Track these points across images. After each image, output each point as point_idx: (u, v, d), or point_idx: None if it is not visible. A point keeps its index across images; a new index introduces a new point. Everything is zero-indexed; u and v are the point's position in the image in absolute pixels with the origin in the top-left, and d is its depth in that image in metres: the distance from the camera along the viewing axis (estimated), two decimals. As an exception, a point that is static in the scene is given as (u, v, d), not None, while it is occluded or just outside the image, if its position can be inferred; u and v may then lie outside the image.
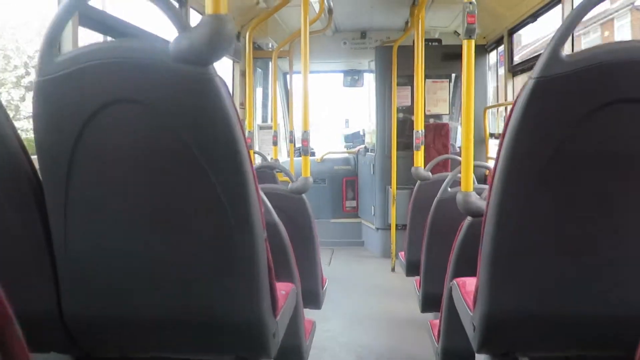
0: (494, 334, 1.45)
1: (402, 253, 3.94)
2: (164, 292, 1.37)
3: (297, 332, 2.24)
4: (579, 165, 1.28)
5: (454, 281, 1.87)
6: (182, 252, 1.33)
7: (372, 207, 6.03)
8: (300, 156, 6.37)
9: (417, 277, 3.44)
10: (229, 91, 1.23)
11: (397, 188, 5.47)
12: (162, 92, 1.20)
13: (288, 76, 6.25)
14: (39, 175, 1.33)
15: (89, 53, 1.21)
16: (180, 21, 1.16)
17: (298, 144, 6.40)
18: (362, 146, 6.60)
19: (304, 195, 2.93)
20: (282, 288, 1.61)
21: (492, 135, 5.44)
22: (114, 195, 1.30)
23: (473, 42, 2.01)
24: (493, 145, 5.51)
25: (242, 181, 1.26)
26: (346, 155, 6.77)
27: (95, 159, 1.27)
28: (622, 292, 1.35)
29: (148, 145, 1.25)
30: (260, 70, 6.44)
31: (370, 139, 6.58)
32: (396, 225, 5.46)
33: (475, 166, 2.40)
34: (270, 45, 6.12)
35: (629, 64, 1.20)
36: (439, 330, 2.40)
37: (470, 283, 1.76)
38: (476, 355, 1.72)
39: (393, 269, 5.36)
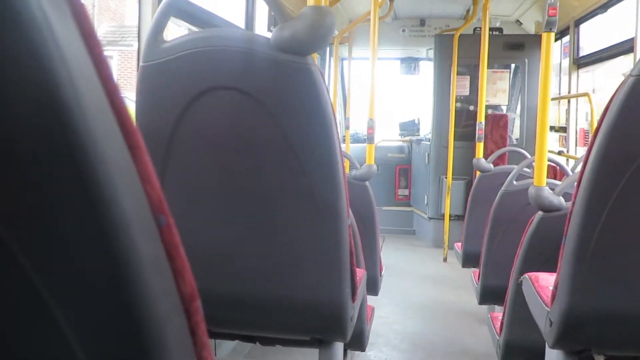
0: (572, 331, 1.45)
1: (459, 244, 3.93)
2: (252, 272, 1.42)
3: (362, 316, 2.28)
4: None
5: (526, 275, 1.86)
6: (271, 233, 1.38)
7: (425, 197, 6.01)
8: (355, 143, 6.37)
9: (475, 269, 3.44)
10: (325, 82, 1.26)
11: (452, 179, 5.43)
12: (261, 80, 1.24)
13: (346, 62, 6.26)
14: None
15: (193, 40, 1.25)
16: (283, 12, 1.19)
17: (352, 131, 6.42)
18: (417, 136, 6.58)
19: (367, 182, 2.95)
20: (357, 274, 1.64)
21: (552, 128, 5.34)
22: (209, 178, 1.36)
23: (553, 35, 1.99)
24: (552, 139, 5.41)
25: (333, 171, 1.29)
26: (400, 143, 6.74)
27: (193, 143, 1.32)
28: None
29: (244, 131, 1.30)
30: (318, 56, 6.46)
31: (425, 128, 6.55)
32: (450, 215, 5.44)
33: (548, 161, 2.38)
34: (329, 32, 6.12)
35: None
36: (501, 323, 2.40)
37: (544, 278, 1.75)
38: (547, 350, 1.72)
39: (445, 259, 5.34)
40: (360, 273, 1.78)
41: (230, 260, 1.43)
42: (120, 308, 0.38)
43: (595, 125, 1.43)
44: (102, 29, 14.62)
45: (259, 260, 1.41)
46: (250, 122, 1.28)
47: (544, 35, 1.99)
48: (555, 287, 1.47)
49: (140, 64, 1.29)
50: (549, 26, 1.97)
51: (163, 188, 1.35)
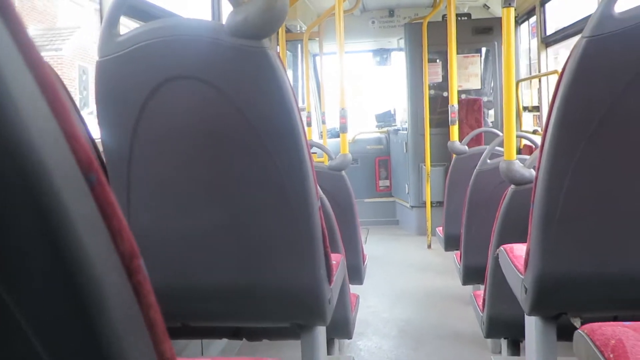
0: (546, 296, 1.47)
1: (440, 228, 3.96)
2: (224, 262, 1.42)
3: (345, 304, 2.28)
4: (631, 123, 1.28)
5: (501, 247, 1.88)
6: (241, 222, 1.38)
7: (406, 186, 6.04)
8: (333, 137, 6.38)
9: (457, 251, 3.46)
10: (283, 64, 1.26)
11: (431, 165, 5.47)
12: (219, 67, 1.24)
13: (318, 58, 6.26)
14: (102, 155, 1.39)
15: (148, 32, 1.25)
16: None
17: (329, 126, 6.43)
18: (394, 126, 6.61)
19: (343, 172, 2.96)
20: (333, 258, 1.65)
21: (525, 108, 5.40)
22: (175, 169, 1.36)
23: (513, 10, 2.01)
24: (527, 120, 5.46)
25: (297, 152, 1.30)
26: (378, 134, 6.77)
27: (156, 135, 1.32)
28: None
29: (206, 120, 1.30)
30: (289, 52, 6.46)
31: (402, 118, 6.57)
32: (431, 202, 5.47)
33: (517, 136, 2.40)
34: (298, 28, 6.13)
35: None
36: (483, 300, 2.42)
37: (518, 248, 1.77)
38: (525, 319, 1.74)
39: (429, 246, 5.38)
40: (337, 257, 1.78)
41: (202, 251, 1.42)
42: (53, 268, 0.38)
43: None
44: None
45: (230, 249, 1.41)
46: (211, 110, 1.28)
47: (504, 11, 2.01)
48: (527, 253, 1.48)
49: (97, 59, 1.28)
50: (507, 1, 2.00)
51: (130, 183, 1.35)
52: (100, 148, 1.41)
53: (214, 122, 1.30)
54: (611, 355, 1.00)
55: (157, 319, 0.48)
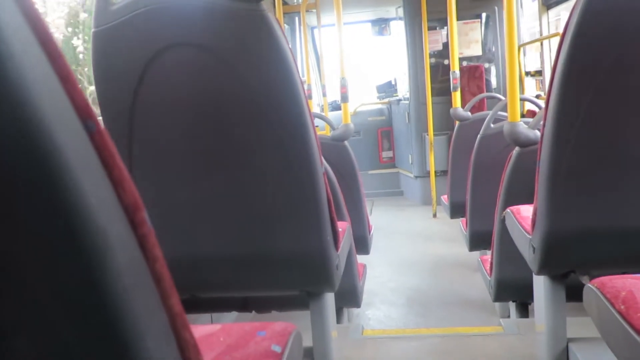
0: (554, 254, 1.46)
1: (445, 196, 3.95)
2: (230, 231, 1.42)
3: (352, 272, 2.29)
4: (637, 74, 1.26)
5: (508, 210, 1.87)
6: (245, 190, 1.37)
7: (410, 156, 6.02)
8: (334, 110, 6.35)
9: (463, 218, 3.46)
10: (281, 27, 1.24)
11: (433, 134, 5.44)
12: (217, 32, 1.22)
13: (316, 31, 6.20)
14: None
15: None
16: None
17: (331, 99, 6.39)
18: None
19: (346, 142, 2.94)
20: (339, 226, 1.65)
21: (527, 73, 5.35)
22: (176, 138, 1.34)
23: None
24: (529, 84, 5.42)
25: (300, 116, 1.28)
26: (379, 105, 6.73)
27: (156, 104, 1.31)
28: None
29: (207, 85, 1.28)
30: (287, 26, 6.39)
31: (403, 88, 6.53)
32: (435, 171, 5.46)
33: (520, 99, 2.38)
34: (295, 0, 6.07)
35: None
36: (490, 264, 2.43)
37: (525, 209, 1.77)
38: (534, 279, 1.74)
39: (434, 215, 5.38)
40: (343, 225, 1.78)
41: (207, 221, 1.42)
42: (54, 217, 0.37)
43: None
44: None
45: (235, 217, 1.40)
46: (211, 77, 1.26)
47: None
48: (535, 213, 1.48)
49: (92, 30, 1.26)
50: None
51: (131, 155, 1.33)
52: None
53: (214, 89, 1.28)
54: (622, 307, 0.99)
55: (164, 273, 0.47)
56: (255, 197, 1.38)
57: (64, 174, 0.37)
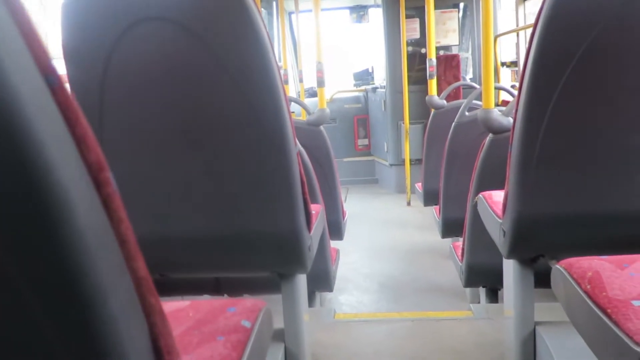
0: (523, 238, 1.48)
1: (419, 184, 3.98)
2: (202, 210, 1.40)
3: (325, 256, 2.29)
4: (608, 62, 1.28)
5: (480, 195, 1.89)
6: (218, 169, 1.36)
7: (385, 144, 6.04)
8: (310, 97, 6.32)
9: (436, 206, 3.49)
10: (258, 7, 1.23)
11: (409, 123, 5.46)
12: (191, 8, 1.20)
13: (293, 16, 6.16)
14: None
15: None
16: None
17: (307, 85, 6.37)
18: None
19: (321, 127, 2.94)
20: (312, 208, 1.65)
21: (503, 64, 5.39)
22: (148, 115, 1.32)
23: None
24: (504, 74, 5.47)
25: (274, 96, 1.27)
26: (356, 93, 6.73)
27: (127, 79, 1.28)
28: None
29: (179, 62, 1.26)
30: (264, 10, 6.34)
31: (380, 76, 6.53)
32: (410, 160, 5.48)
33: (495, 87, 2.40)
34: (273, -16, 6.03)
35: None
36: (462, 249, 2.45)
37: (496, 194, 1.78)
38: (504, 264, 1.77)
39: (409, 203, 5.41)
40: (317, 207, 1.78)
41: (179, 199, 1.40)
42: (12, 170, 0.36)
43: None
44: None
45: (208, 196, 1.39)
46: (184, 53, 1.24)
47: None
48: (505, 197, 1.49)
49: (62, 1, 1.23)
50: None
51: (102, 131, 1.31)
52: None
53: (187, 66, 1.26)
54: (588, 287, 1.01)
55: (129, 235, 0.46)
56: (228, 176, 1.36)
57: (23, 125, 0.36)
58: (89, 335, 0.41)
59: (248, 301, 1.02)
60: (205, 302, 1.02)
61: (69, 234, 0.38)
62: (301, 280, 1.65)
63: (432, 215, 3.62)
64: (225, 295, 2.21)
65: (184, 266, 1.55)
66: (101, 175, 0.43)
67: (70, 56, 1.28)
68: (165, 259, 1.50)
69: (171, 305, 1.00)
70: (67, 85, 0.41)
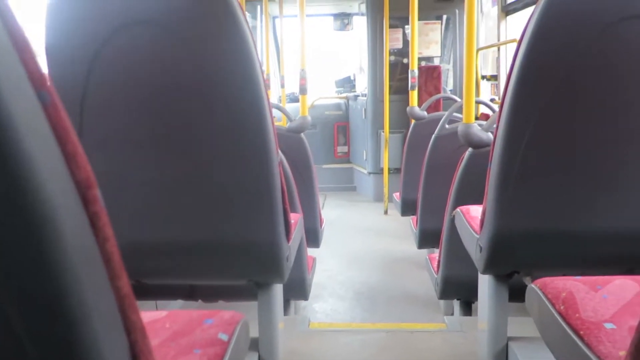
0: (500, 254, 1.50)
1: (397, 194, 4.00)
2: (180, 216, 1.39)
3: (302, 264, 2.29)
4: (591, 82, 1.30)
5: (458, 209, 1.91)
6: (198, 175, 1.35)
7: (364, 152, 6.06)
8: (292, 102, 6.33)
9: (413, 216, 3.51)
10: (243, 11, 1.22)
11: (389, 132, 5.49)
12: (177, 12, 1.20)
13: (277, 20, 6.16)
14: None
15: None
16: None
17: (289, 90, 6.37)
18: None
19: (302, 134, 2.94)
20: (291, 217, 1.65)
21: (484, 77, 5.45)
22: (129, 120, 1.31)
23: None
24: (484, 88, 5.52)
25: (257, 103, 1.27)
26: (337, 100, 6.75)
27: (109, 84, 1.27)
28: (629, 208, 1.39)
29: (163, 67, 1.25)
30: (248, 14, 6.33)
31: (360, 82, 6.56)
32: (388, 169, 5.51)
33: (475, 101, 2.43)
34: (258, -12, 6.02)
35: None
36: (438, 262, 2.47)
37: (474, 209, 1.80)
38: (479, 278, 1.78)
39: (386, 212, 5.44)
40: (295, 217, 1.78)
41: (157, 204, 1.39)
42: (4, 190, 0.36)
43: None
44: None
45: (187, 203, 1.38)
46: (168, 58, 1.24)
47: None
48: (483, 213, 1.51)
49: (48, 1, 1.22)
50: None
51: (82, 134, 1.29)
52: None
53: (170, 70, 1.25)
54: (562, 307, 1.03)
55: (114, 253, 0.46)
56: (208, 182, 1.36)
57: (13, 141, 0.35)
58: (71, 353, 0.41)
59: (226, 313, 1.02)
60: (182, 313, 1.01)
61: (55, 252, 0.38)
62: (277, 289, 1.65)
63: (409, 224, 3.64)
64: (200, 300, 2.19)
65: (159, 272, 1.53)
66: (89, 192, 0.43)
67: (53, 57, 1.27)
68: (140, 265, 1.48)
69: (148, 316, 0.99)
70: (60, 104, 0.41)
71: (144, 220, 1.42)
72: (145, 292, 1.89)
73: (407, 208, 3.76)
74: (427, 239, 3.16)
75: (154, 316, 0.99)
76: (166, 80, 1.27)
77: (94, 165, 1.32)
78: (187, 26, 1.21)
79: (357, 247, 4.37)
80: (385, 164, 5.51)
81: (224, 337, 0.92)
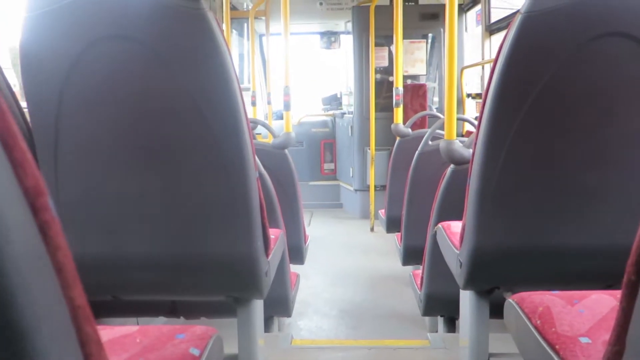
0: (479, 270, 1.49)
1: (382, 211, 3.99)
2: (157, 231, 1.38)
3: (284, 281, 2.28)
4: (567, 99, 1.31)
5: (439, 225, 1.91)
6: (175, 190, 1.34)
7: (351, 169, 6.07)
8: (279, 119, 6.34)
9: (398, 233, 3.51)
10: (221, 27, 1.22)
11: (375, 149, 5.50)
12: (153, 27, 1.19)
13: (264, 38, 6.19)
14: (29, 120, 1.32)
15: None
16: None
17: (275, 108, 6.38)
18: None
19: (286, 150, 2.94)
20: (271, 233, 1.63)
21: (469, 95, 5.49)
22: (105, 135, 1.30)
23: (456, 0, 2.02)
24: (470, 106, 5.57)
25: (234, 119, 1.26)
26: (324, 117, 6.77)
27: (85, 98, 1.26)
28: (607, 225, 1.39)
29: (139, 82, 1.25)
30: (235, 31, 6.36)
31: (348, 101, 6.59)
32: (375, 186, 5.52)
33: (457, 119, 2.44)
34: (245, 6, 6.04)
35: None
36: (421, 278, 2.46)
37: (455, 225, 1.80)
38: (461, 294, 1.78)
39: (372, 229, 5.43)
40: (276, 232, 1.77)
41: (134, 219, 1.38)
42: None
43: None
44: None
45: (164, 217, 1.37)
46: (144, 72, 1.23)
47: (447, 0, 2.02)
48: (463, 229, 1.51)
49: (24, 14, 1.21)
50: None
51: (57, 147, 1.28)
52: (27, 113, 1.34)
53: (146, 84, 1.25)
54: (538, 322, 1.02)
55: (67, 263, 0.45)
56: (185, 197, 1.35)
57: None
58: None
59: (199, 328, 1.00)
60: (154, 328, 0.99)
61: (1, 261, 0.37)
62: (257, 305, 1.63)
63: (394, 241, 3.64)
64: (182, 317, 2.17)
65: (136, 288, 1.51)
66: (39, 200, 0.42)
67: (28, 69, 1.26)
68: (117, 280, 1.46)
69: (119, 330, 0.98)
70: (6, 108, 0.40)
71: (121, 234, 1.40)
72: (126, 309, 1.87)
73: (392, 225, 3.75)
74: (411, 255, 3.15)
75: (125, 331, 0.97)
76: (141, 95, 1.26)
77: (72, 178, 1.30)
78: (162, 41, 1.20)
79: (343, 264, 4.36)
80: (371, 181, 5.52)
81: (195, 352, 0.90)
